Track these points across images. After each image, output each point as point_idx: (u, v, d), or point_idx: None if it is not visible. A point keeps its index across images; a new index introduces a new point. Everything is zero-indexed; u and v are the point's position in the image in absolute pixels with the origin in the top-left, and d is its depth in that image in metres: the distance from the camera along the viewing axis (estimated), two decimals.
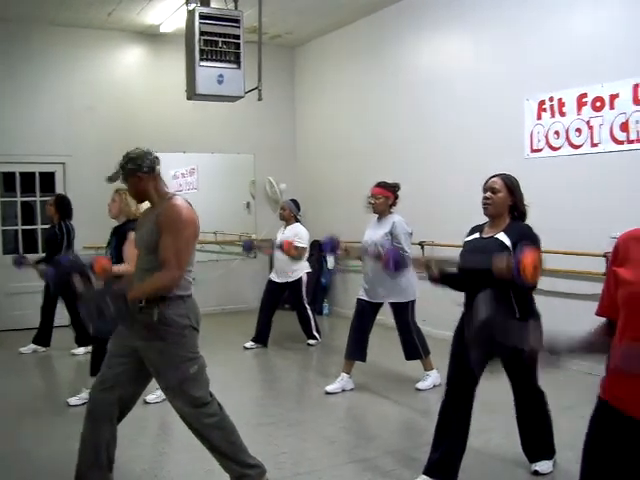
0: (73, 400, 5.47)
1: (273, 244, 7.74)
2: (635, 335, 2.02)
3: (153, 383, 3.75)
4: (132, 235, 4.19)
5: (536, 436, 4.01)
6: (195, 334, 3.52)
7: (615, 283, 2.15)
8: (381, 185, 5.83)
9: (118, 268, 4.67)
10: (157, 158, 3.57)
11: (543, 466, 4.01)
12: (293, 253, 7.40)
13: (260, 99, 6.97)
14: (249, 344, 7.67)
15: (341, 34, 9.82)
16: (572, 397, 5.27)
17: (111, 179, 3.58)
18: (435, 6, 8.02)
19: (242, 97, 6.80)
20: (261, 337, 7.71)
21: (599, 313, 2.26)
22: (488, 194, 3.77)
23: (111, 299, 3.23)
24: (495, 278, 3.32)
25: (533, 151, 6.77)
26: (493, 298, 2.38)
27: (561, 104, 6.47)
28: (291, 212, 7.74)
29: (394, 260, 4.44)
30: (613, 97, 5.99)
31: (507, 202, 3.75)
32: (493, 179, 3.81)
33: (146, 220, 3.54)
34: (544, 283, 3.93)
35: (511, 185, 3.77)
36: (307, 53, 10.75)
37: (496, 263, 3.37)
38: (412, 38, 8.43)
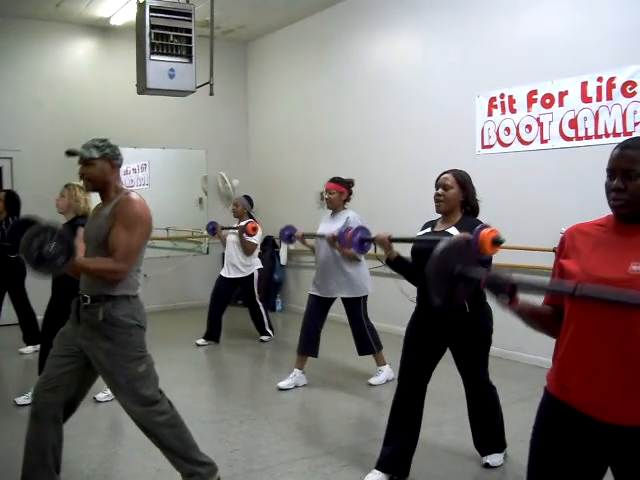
0: (21, 399, 5.34)
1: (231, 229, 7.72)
2: (580, 325, 2.06)
3: (102, 381, 3.69)
4: (82, 231, 4.11)
5: (487, 430, 4.05)
6: (142, 332, 3.46)
7: (560, 274, 2.19)
8: (335, 180, 5.84)
9: None
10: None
11: (494, 459, 4.05)
12: (250, 232, 7.34)
13: (212, 94, 6.91)
14: (201, 341, 7.62)
15: (294, 29, 9.79)
16: (525, 389, 5.36)
17: (70, 153, 3.43)
18: (387, 3, 8.04)
19: (193, 92, 6.74)
20: (213, 334, 7.67)
21: (546, 302, 2.30)
22: (440, 190, 3.79)
23: (57, 238, 3.06)
24: None
25: (484, 147, 6.84)
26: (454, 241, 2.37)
27: (511, 101, 6.54)
28: (244, 208, 7.70)
29: (360, 236, 4.32)
30: (562, 94, 6.09)
31: (459, 198, 3.78)
32: (445, 175, 3.83)
33: (97, 216, 3.48)
34: None
35: (463, 181, 3.80)
36: (260, 48, 10.69)
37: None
38: (365, 34, 8.44)
